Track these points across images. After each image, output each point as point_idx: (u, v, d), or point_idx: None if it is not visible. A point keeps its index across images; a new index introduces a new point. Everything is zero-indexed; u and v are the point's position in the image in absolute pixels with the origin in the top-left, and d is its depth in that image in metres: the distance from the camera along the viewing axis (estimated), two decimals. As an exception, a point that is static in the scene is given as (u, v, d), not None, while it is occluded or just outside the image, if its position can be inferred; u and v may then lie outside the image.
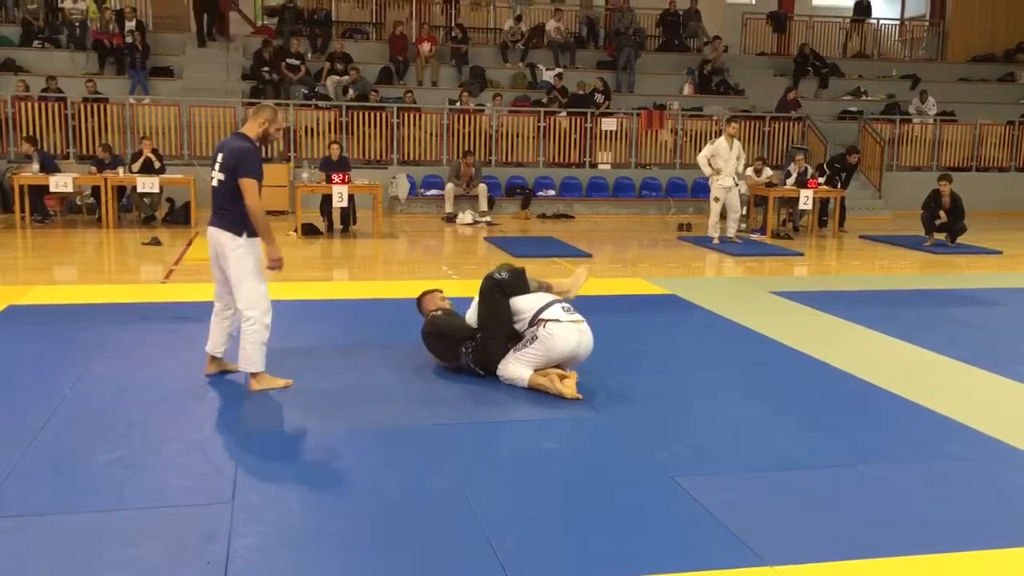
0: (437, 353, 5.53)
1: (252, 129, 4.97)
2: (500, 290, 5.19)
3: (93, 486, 3.73)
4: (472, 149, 14.85)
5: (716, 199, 11.58)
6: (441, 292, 5.84)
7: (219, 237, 4.93)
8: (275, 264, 4.94)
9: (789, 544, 3.34)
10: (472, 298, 5.43)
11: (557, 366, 5.15)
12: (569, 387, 5.02)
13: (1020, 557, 3.31)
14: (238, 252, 4.88)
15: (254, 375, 5.01)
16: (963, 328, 7.12)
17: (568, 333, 5.09)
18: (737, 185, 11.68)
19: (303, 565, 3.15)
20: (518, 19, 18.23)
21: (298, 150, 14.72)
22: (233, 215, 4.88)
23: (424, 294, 5.83)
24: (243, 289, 4.92)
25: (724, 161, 11.46)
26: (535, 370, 5.09)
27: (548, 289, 5.36)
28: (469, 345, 5.30)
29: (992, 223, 14.24)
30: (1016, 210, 16.57)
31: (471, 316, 5.35)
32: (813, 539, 3.39)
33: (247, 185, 4.80)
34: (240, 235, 4.88)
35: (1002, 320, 7.50)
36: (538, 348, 5.08)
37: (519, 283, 5.22)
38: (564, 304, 5.24)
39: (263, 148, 5.53)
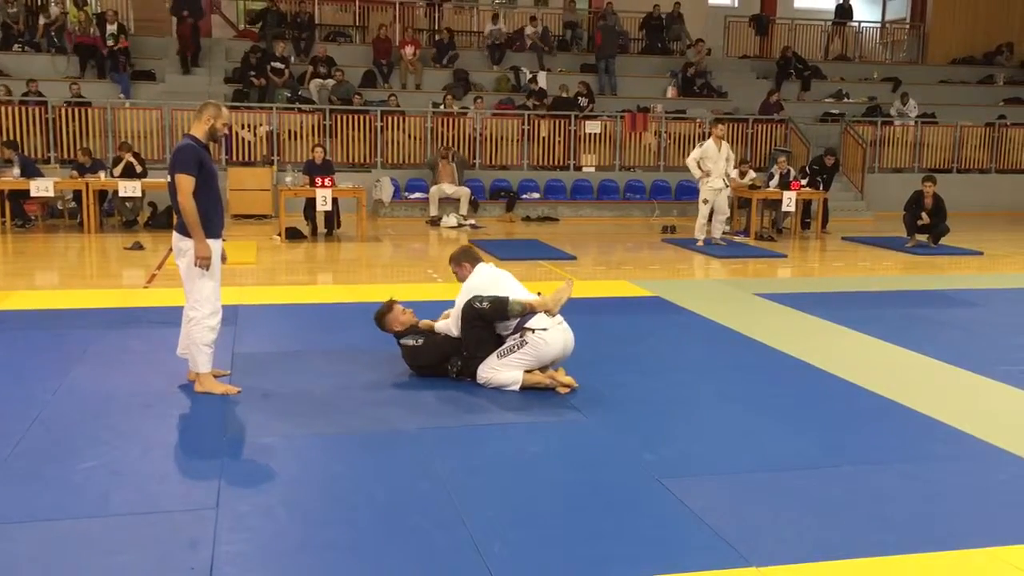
0: (425, 373, 5.47)
1: (198, 128, 5.03)
2: (481, 321, 5.19)
3: (76, 493, 3.70)
4: (456, 148, 14.86)
5: (705, 201, 11.62)
6: (399, 304, 5.58)
7: (174, 237, 5.05)
8: (199, 262, 4.93)
9: (775, 545, 3.35)
10: (454, 301, 5.42)
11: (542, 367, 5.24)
12: (562, 376, 5.16)
13: (1003, 556, 3.33)
14: (189, 252, 4.94)
15: (197, 375, 5.07)
16: (945, 328, 7.17)
17: (556, 336, 5.20)
18: (727, 187, 11.74)
19: (288, 572, 3.13)
20: (495, 18, 18.23)
21: (281, 154, 14.65)
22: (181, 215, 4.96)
23: (382, 314, 5.54)
24: (190, 290, 5.01)
25: (713, 163, 11.54)
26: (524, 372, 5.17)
27: (531, 310, 5.18)
28: (456, 362, 5.30)
29: (973, 224, 14.34)
30: (996, 211, 16.70)
31: (450, 325, 5.34)
32: (798, 540, 3.40)
33: (178, 180, 4.87)
34: (188, 235, 4.93)
35: (983, 320, 7.55)
36: (528, 352, 5.14)
37: (499, 313, 5.15)
38: None
39: (226, 147, 5.53)
